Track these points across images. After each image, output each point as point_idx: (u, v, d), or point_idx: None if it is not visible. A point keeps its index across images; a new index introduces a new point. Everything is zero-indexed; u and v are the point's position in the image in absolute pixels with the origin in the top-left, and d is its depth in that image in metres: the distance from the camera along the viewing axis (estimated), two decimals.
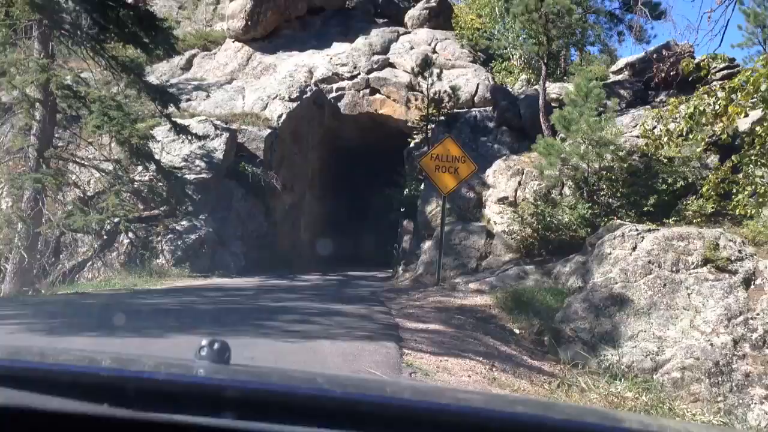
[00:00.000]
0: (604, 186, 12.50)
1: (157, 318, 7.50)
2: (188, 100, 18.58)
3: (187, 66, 21.23)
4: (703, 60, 12.37)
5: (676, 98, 12.21)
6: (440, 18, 23.01)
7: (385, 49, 20.82)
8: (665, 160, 12.44)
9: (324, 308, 9.23)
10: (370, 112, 19.71)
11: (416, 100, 18.31)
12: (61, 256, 14.73)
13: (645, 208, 11.94)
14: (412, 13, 23.01)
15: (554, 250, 12.39)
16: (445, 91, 16.62)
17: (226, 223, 15.55)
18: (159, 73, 20.04)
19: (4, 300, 9.91)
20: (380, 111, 19.63)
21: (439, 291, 11.74)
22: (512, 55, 21.03)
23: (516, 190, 13.82)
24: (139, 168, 15.10)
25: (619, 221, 11.30)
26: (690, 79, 14.96)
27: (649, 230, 10.90)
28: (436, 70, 16.46)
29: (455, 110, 17.56)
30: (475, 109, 17.76)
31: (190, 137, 14.72)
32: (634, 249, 10.67)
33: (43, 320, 6.96)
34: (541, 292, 10.80)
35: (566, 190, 13.18)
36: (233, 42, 21.08)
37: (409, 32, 22.15)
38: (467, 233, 13.43)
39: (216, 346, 1.36)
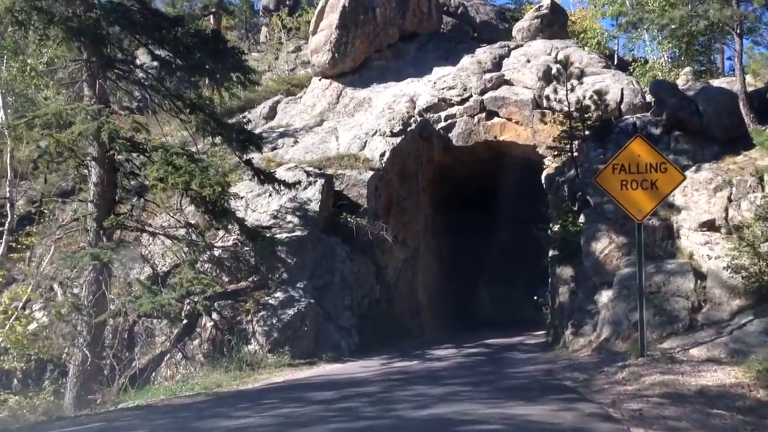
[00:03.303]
0: None
1: None
2: (274, 149, 15.82)
3: (271, 114, 18.71)
4: None
5: None
6: (554, 27, 19.79)
7: (497, 66, 17.50)
8: None
9: (499, 415, 5.67)
10: (489, 140, 16.26)
11: (544, 116, 14.75)
12: (135, 349, 11.88)
13: None
14: (521, 25, 19.94)
15: None
16: (591, 97, 12.94)
17: (330, 291, 12.31)
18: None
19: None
20: (501, 137, 16.13)
21: (650, 364, 7.87)
22: (654, 53, 17.18)
23: (726, 209, 9.85)
24: (220, 232, 12.23)
25: None
26: None
27: None
28: (575, 72, 12.82)
29: (602, 121, 13.80)
30: (630, 116, 13.93)
31: (278, 186, 11.78)
32: None
33: None
34: None
35: None
36: (320, 80, 18.39)
37: (521, 45, 18.80)
38: (665, 275, 9.49)
39: None
